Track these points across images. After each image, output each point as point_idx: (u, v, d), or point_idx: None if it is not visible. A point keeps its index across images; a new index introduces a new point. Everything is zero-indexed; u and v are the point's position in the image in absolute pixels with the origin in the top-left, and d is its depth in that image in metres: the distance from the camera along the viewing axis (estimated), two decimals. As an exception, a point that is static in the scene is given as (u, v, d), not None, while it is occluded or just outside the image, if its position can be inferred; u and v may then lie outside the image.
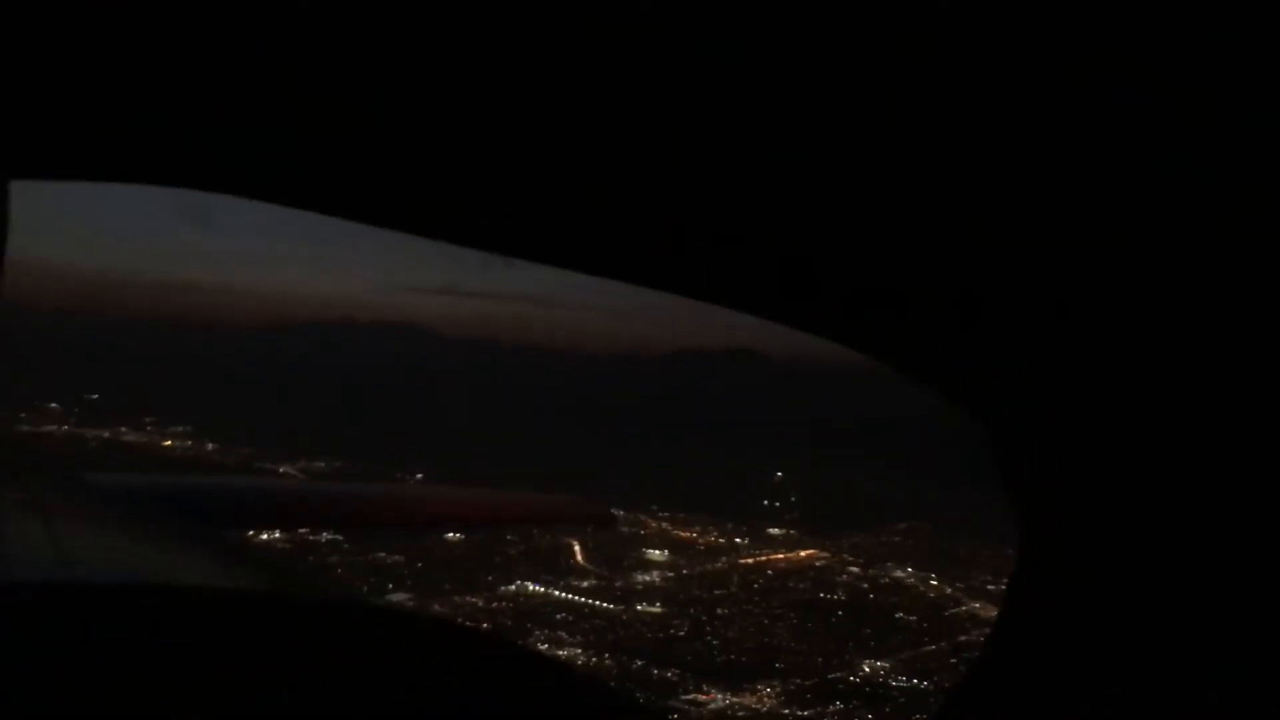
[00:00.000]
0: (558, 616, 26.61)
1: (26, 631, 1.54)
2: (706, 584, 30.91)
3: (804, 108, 1.13)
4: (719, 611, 28.50)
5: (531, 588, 28.06)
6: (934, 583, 31.68)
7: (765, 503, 39.58)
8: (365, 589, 22.91)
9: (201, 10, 1.15)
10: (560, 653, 22.66)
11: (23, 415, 36.96)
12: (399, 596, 24.23)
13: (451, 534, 24.29)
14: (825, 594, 30.62)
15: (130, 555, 3.42)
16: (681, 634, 26.61)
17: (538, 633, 24.78)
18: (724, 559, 33.86)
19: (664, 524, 36.21)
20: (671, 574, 31.55)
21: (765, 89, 1.11)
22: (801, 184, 1.32)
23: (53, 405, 42.67)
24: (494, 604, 26.64)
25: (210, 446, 39.85)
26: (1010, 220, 1.28)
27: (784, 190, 1.35)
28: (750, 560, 33.79)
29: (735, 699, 23.18)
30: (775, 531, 36.69)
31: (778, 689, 23.79)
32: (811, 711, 23.04)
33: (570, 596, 28.13)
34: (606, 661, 23.42)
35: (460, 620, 19.54)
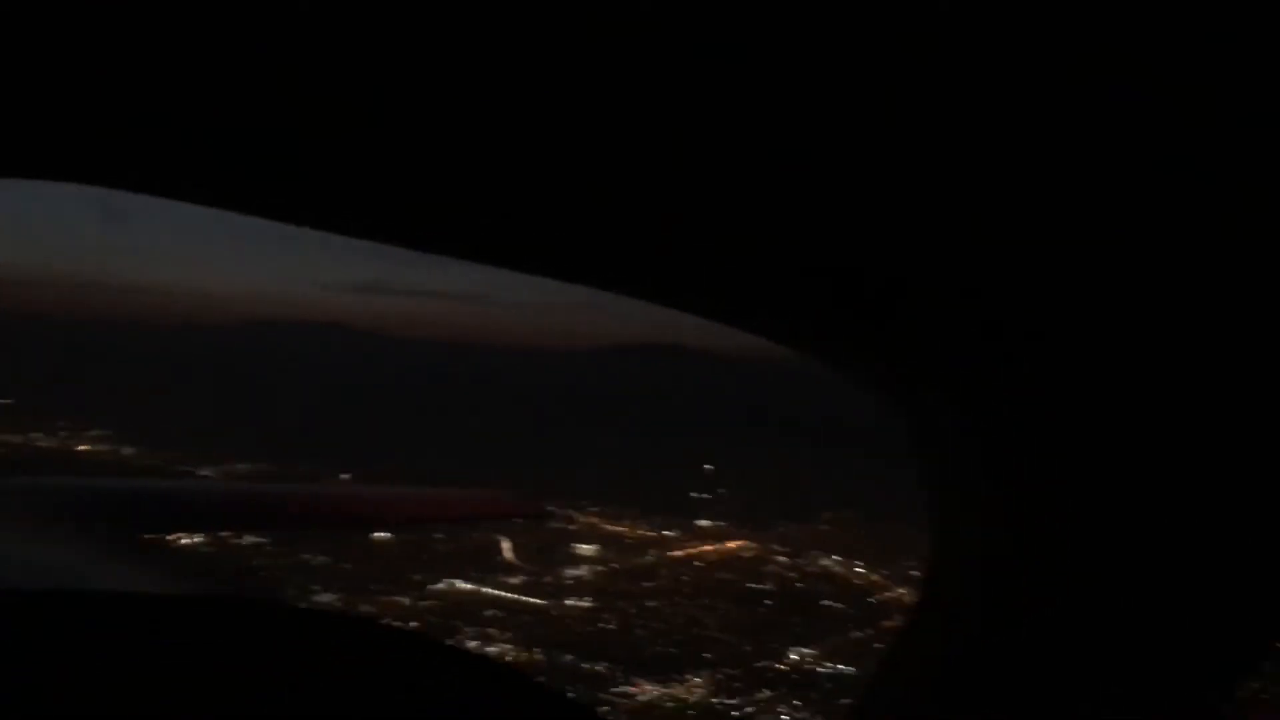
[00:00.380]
0: (486, 613, 26.33)
1: None
2: (636, 577, 30.87)
3: (804, 107, 1.12)
4: (648, 604, 28.52)
5: (460, 585, 27.75)
6: (860, 570, 32.06)
7: (694, 495, 39.58)
8: (290, 590, 22.44)
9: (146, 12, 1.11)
10: (489, 649, 22.46)
11: (-75, 421, 35.39)
12: (325, 597, 23.71)
13: (379, 533, 23.83)
14: (753, 584, 30.87)
15: (47, 562, 3.36)
16: (611, 627, 26.54)
17: (466, 629, 24.53)
18: (653, 552, 33.84)
19: (594, 518, 36.04)
20: (601, 568, 31.40)
21: (765, 89, 1.09)
22: (801, 184, 1.30)
23: (-42, 410, 40.82)
24: (422, 602, 26.25)
25: (129, 450, 38.50)
26: (1010, 220, 1.27)
27: (784, 190, 1.32)
28: (680, 553, 33.81)
29: (665, 690, 23.20)
30: (705, 523, 36.74)
31: (707, 679, 23.92)
32: (740, 700, 23.21)
33: (499, 593, 27.88)
34: (536, 657, 23.30)
35: (386, 620, 19.25)
